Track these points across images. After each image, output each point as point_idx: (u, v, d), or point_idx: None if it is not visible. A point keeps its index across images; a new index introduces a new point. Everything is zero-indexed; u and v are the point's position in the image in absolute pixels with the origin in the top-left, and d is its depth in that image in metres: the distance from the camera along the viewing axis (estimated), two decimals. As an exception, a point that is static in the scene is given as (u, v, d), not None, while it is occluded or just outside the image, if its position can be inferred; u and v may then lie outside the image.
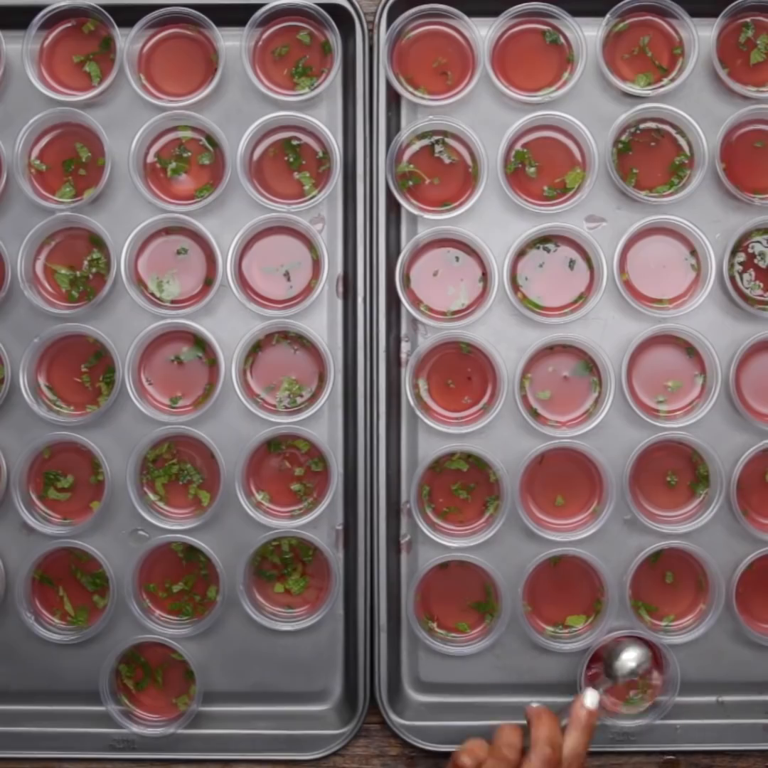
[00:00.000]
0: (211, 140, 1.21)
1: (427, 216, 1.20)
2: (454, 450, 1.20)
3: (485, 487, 1.21)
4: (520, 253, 1.21)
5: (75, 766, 1.19)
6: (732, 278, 1.19)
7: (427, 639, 1.19)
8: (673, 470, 1.21)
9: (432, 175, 1.22)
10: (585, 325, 1.20)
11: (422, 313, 1.20)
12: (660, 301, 1.21)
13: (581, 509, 1.21)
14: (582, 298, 1.21)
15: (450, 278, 1.22)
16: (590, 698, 1.08)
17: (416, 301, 1.21)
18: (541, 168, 1.21)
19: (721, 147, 1.18)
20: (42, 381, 1.21)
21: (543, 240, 1.21)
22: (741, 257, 1.20)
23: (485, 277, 1.21)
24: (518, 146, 1.21)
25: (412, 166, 1.21)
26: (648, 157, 1.21)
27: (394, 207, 1.22)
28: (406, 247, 1.20)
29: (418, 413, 1.18)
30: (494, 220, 1.21)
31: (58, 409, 1.20)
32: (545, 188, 1.21)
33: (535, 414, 1.20)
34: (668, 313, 1.19)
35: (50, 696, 1.21)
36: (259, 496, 1.21)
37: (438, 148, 1.22)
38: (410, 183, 1.21)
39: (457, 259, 1.22)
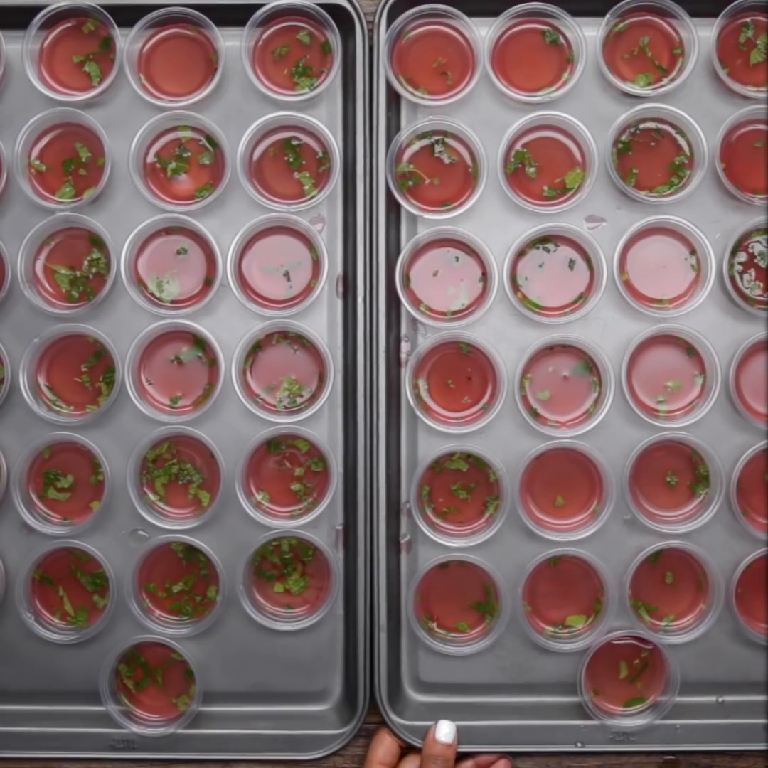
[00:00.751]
0: (211, 140, 1.21)
1: (427, 216, 1.20)
2: (454, 450, 1.19)
3: (485, 487, 1.21)
4: (520, 253, 1.21)
5: (75, 766, 1.19)
6: (732, 278, 1.19)
7: (427, 639, 1.18)
8: (673, 470, 1.20)
9: (432, 175, 1.21)
10: (585, 325, 1.20)
11: (422, 313, 1.20)
12: (660, 301, 1.20)
13: (581, 509, 1.21)
14: (582, 298, 1.20)
15: (450, 278, 1.22)
16: (445, 730, 1.13)
17: (416, 301, 1.21)
18: (540, 168, 1.21)
19: (721, 147, 1.18)
20: (42, 381, 1.21)
21: (543, 240, 1.21)
22: (741, 257, 1.20)
23: (485, 277, 1.21)
24: (518, 146, 1.21)
25: (412, 166, 1.21)
26: (648, 157, 1.21)
27: (394, 207, 1.22)
28: (406, 247, 1.19)
29: (418, 413, 1.18)
30: (494, 220, 1.21)
31: (58, 409, 1.20)
32: (545, 188, 1.21)
33: (535, 414, 1.20)
34: (668, 313, 1.18)
35: (50, 696, 1.20)
36: (259, 496, 1.21)
37: (438, 148, 1.21)
38: (410, 183, 1.21)
39: (457, 259, 1.22)
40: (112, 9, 1.17)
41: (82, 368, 1.20)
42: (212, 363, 1.20)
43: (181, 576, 1.20)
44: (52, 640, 1.18)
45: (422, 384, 1.21)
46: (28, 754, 1.18)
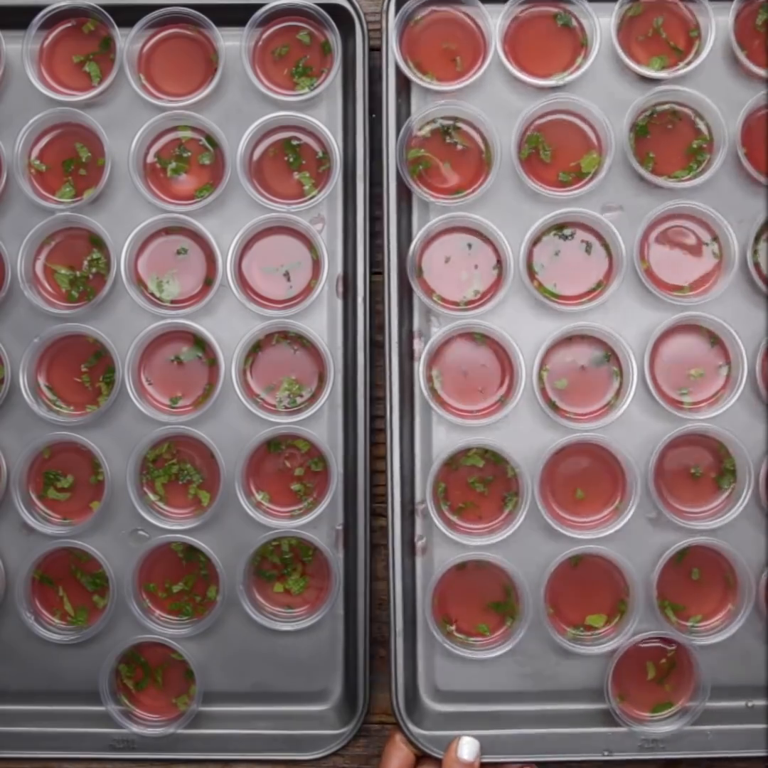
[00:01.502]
0: (211, 140, 1.21)
1: (439, 202, 1.18)
2: (470, 445, 1.16)
3: (503, 482, 1.19)
4: (536, 240, 1.18)
5: (75, 766, 1.20)
6: (756, 265, 1.16)
7: (446, 642, 1.15)
8: (698, 464, 1.17)
9: (444, 161, 1.20)
10: (604, 313, 1.17)
11: (435, 302, 1.18)
12: (681, 288, 1.18)
13: (603, 506, 1.18)
14: (600, 285, 1.18)
15: (463, 265, 1.19)
16: (468, 748, 1.08)
17: (429, 291, 1.19)
18: (555, 153, 1.18)
19: (742, 130, 1.15)
20: (42, 381, 1.21)
21: (559, 227, 1.19)
22: (765, 243, 1.17)
23: (500, 264, 1.19)
24: (532, 131, 1.19)
25: (423, 150, 1.19)
26: (665, 141, 1.18)
27: (404, 195, 1.19)
28: (417, 236, 1.17)
29: (433, 406, 1.16)
30: (508, 206, 1.19)
31: (58, 409, 1.20)
32: (560, 174, 1.19)
33: (554, 406, 1.17)
34: (690, 301, 1.16)
35: (50, 696, 1.20)
36: (259, 496, 1.21)
37: (450, 133, 1.20)
38: (421, 168, 1.19)
39: (470, 246, 1.19)
40: (112, 9, 1.18)
41: (82, 368, 1.20)
42: (212, 363, 1.20)
43: (181, 576, 1.20)
44: (52, 640, 1.18)
45: (436, 376, 1.19)
46: (28, 754, 1.18)
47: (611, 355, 1.18)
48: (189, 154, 1.21)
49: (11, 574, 1.19)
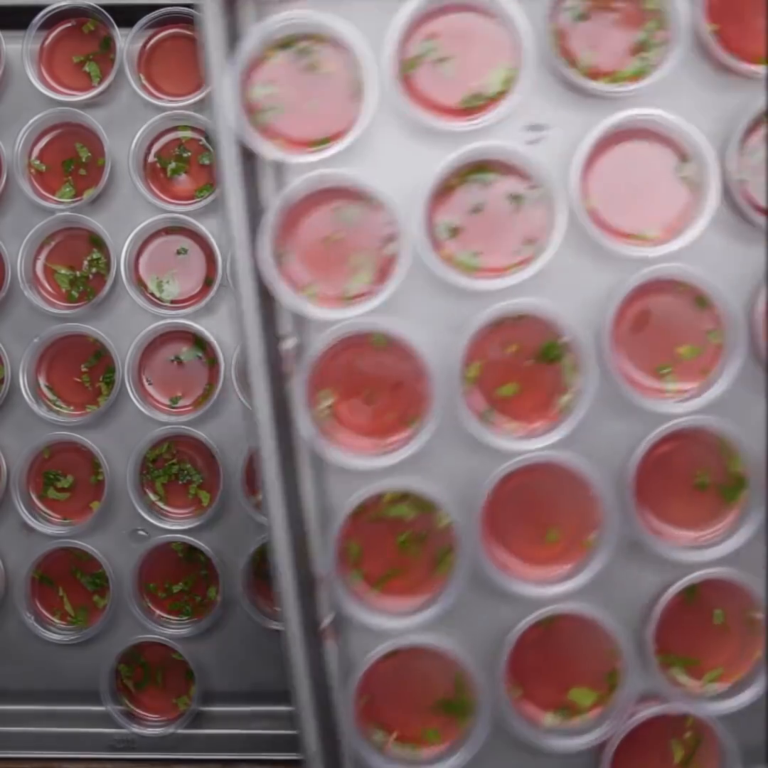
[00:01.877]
0: (211, 140, 1.20)
1: (295, 160, 0.86)
2: (383, 490, 0.86)
3: (433, 535, 0.88)
4: (441, 193, 0.85)
5: (75, 766, 1.19)
6: (742, 185, 0.84)
7: (382, 763, 0.87)
8: (694, 471, 0.88)
9: (300, 99, 0.87)
10: (540, 282, 0.84)
11: (309, 301, 0.86)
12: (642, 236, 0.86)
13: (571, 545, 0.88)
14: (531, 245, 0.85)
15: (343, 246, 0.87)
16: None
17: (298, 286, 0.87)
18: (452, 67, 0.85)
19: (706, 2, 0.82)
20: (42, 381, 1.21)
21: (478, 168, 0.85)
22: (756, 153, 0.85)
23: (392, 238, 0.86)
24: (418, 40, 0.85)
25: (271, 88, 0.86)
26: (605, 31, 0.85)
27: (248, 156, 0.87)
28: (271, 209, 0.85)
29: (317, 446, 0.86)
30: (393, 151, 0.88)
31: (58, 409, 1.20)
32: (461, 95, 0.85)
33: (488, 420, 0.87)
34: (659, 249, 0.84)
35: (50, 696, 1.21)
36: (259, 496, 1.20)
37: (304, 59, 0.86)
38: (266, 116, 0.86)
39: (349, 217, 0.87)
40: (112, 9, 1.17)
41: (82, 368, 1.20)
42: (212, 363, 1.20)
43: (181, 576, 1.20)
44: (52, 640, 1.18)
45: (325, 399, 0.88)
46: (28, 754, 1.18)
47: (559, 340, 0.86)
48: (189, 154, 1.21)
49: (11, 574, 1.20)
